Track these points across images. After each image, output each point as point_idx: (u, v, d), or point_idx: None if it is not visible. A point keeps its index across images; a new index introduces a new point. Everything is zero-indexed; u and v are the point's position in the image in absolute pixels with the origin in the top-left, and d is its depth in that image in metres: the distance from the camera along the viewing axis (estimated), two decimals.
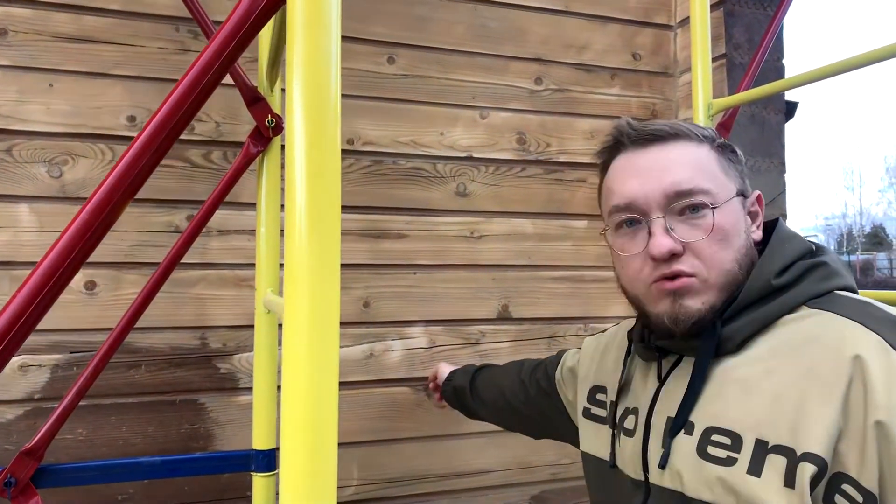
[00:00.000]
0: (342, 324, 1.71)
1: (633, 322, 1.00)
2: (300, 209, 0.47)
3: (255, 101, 1.33)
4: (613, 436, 0.94)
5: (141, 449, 1.54)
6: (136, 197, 1.62)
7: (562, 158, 1.93)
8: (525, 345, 1.87)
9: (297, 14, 0.47)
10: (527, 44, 1.91)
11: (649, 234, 0.81)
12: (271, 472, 1.35)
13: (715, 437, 0.76)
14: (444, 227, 1.82)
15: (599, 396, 1.03)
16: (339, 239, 0.48)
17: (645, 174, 0.83)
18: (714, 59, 1.88)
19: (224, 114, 1.63)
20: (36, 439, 1.21)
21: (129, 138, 1.57)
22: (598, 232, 1.96)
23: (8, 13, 1.51)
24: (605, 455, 0.95)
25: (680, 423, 0.80)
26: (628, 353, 0.97)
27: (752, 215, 0.87)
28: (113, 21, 1.57)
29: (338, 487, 1.63)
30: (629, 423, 0.91)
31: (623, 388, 0.96)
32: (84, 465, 1.29)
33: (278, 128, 1.35)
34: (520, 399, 1.28)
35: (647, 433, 0.86)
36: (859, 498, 0.66)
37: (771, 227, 0.87)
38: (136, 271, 1.57)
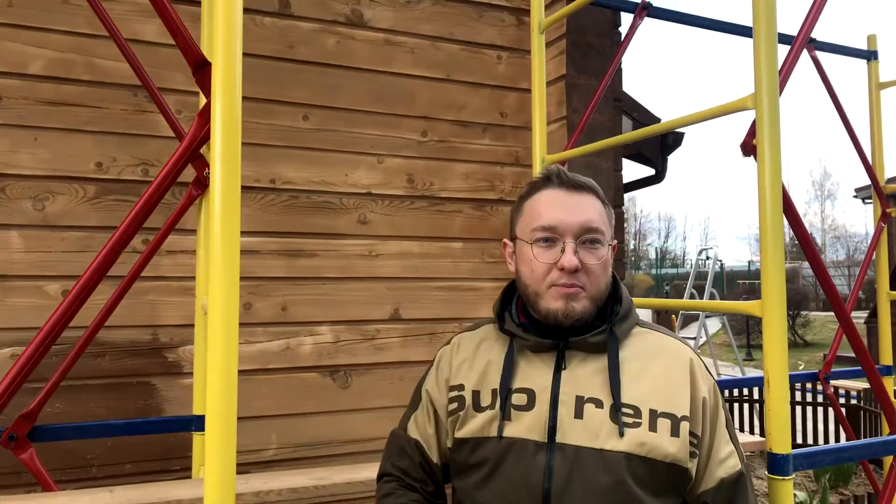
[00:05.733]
0: (264, 323, 2.21)
1: (475, 331, 1.27)
2: (216, 240, 0.96)
3: (195, 158, 1.81)
4: (502, 414, 1.13)
5: (105, 418, 2.00)
6: (103, 225, 2.06)
7: (443, 195, 2.47)
8: (411, 339, 2.39)
9: (217, 127, 0.97)
10: (416, 105, 2.44)
11: (562, 251, 1.13)
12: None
13: (622, 409, 1.10)
14: (349, 248, 2.33)
15: (457, 393, 1.21)
16: (238, 268, 0.98)
17: (569, 210, 1.14)
18: (557, 120, 2.45)
19: None
20: (31, 406, 1.67)
21: (97, 179, 2.04)
22: (470, 252, 2.49)
23: (3, 83, 1.96)
24: (488, 433, 1.14)
25: (618, 404, 1.10)
26: (510, 349, 1.18)
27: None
28: (85, 89, 2.03)
29: (259, 450, 2.22)
30: (519, 400, 1.14)
31: (509, 375, 1.16)
32: (67, 426, 1.76)
33: None
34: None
35: (554, 407, 1.11)
36: (696, 440, 1.10)
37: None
38: (102, 282, 2.02)
